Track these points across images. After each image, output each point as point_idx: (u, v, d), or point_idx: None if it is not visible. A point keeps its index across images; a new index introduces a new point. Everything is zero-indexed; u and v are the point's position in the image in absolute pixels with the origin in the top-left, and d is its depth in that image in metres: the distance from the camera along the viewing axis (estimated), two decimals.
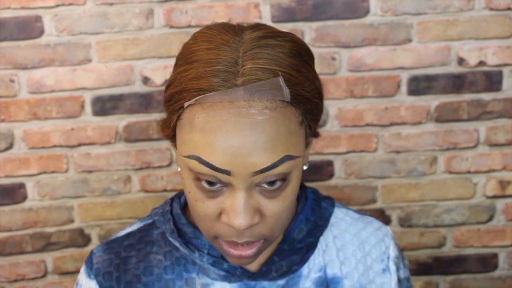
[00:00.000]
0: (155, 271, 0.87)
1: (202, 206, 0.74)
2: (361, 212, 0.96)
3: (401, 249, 1.78)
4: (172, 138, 0.78)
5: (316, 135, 0.79)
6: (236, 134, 0.68)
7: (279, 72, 0.70)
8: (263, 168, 0.69)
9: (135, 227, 0.92)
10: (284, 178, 0.72)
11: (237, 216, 0.71)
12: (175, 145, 0.79)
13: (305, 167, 0.81)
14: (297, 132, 0.72)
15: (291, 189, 0.75)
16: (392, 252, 0.92)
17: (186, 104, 0.71)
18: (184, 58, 0.74)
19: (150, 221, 0.92)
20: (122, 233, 0.92)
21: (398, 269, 0.92)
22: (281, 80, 0.69)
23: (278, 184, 0.72)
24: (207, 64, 0.70)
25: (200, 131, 0.69)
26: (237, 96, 0.68)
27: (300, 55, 0.73)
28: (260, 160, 0.69)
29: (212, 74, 0.69)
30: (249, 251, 0.76)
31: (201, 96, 0.69)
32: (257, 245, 0.76)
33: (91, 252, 0.91)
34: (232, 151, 0.68)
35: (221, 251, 0.78)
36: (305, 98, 0.72)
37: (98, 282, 0.87)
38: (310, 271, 0.88)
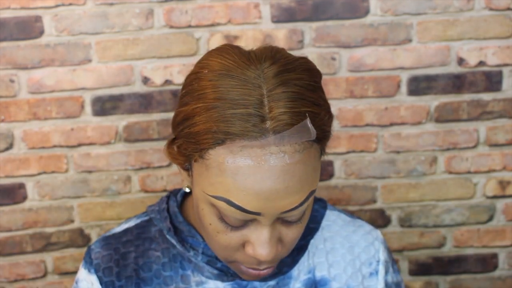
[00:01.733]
0: (154, 267, 0.88)
1: (225, 238, 0.75)
2: (353, 215, 0.97)
3: (401, 250, 1.78)
4: (184, 164, 0.77)
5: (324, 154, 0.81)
6: (269, 180, 0.69)
7: (306, 113, 0.70)
8: (292, 208, 0.71)
9: (132, 223, 0.92)
10: (305, 210, 0.75)
11: (263, 249, 0.73)
12: (184, 169, 0.79)
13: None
14: (318, 165, 0.74)
15: (308, 215, 0.77)
16: (382, 256, 0.92)
17: (216, 147, 0.70)
18: (202, 92, 0.72)
19: (146, 218, 0.92)
20: (119, 229, 0.92)
21: (386, 273, 0.92)
22: (308, 122, 0.70)
23: (299, 215, 0.75)
24: (233, 105, 0.69)
25: (231, 176, 0.70)
26: (269, 143, 0.69)
27: (317, 85, 0.74)
28: (290, 201, 0.71)
29: (240, 117, 0.69)
30: (266, 271, 0.78)
31: (234, 143, 0.69)
32: (275, 266, 0.79)
33: (89, 248, 0.91)
34: (265, 196, 0.69)
35: (236, 270, 0.80)
36: (327, 132, 0.74)
37: (98, 277, 0.87)
38: (300, 272, 0.88)
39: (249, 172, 0.69)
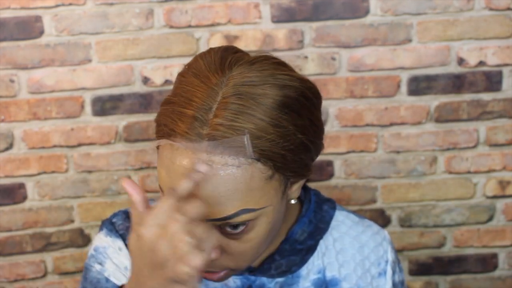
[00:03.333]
0: None
1: None
2: (361, 215, 0.97)
3: (400, 250, 1.78)
4: None
5: (305, 176, 0.78)
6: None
7: (247, 130, 0.70)
8: (216, 218, 0.72)
9: (150, 204, 0.92)
10: (245, 224, 0.74)
11: None
12: None
13: (293, 201, 0.81)
14: (262, 186, 0.72)
15: (256, 234, 0.76)
16: (390, 256, 0.93)
17: (157, 142, 0.74)
18: (175, 85, 0.76)
19: None
20: None
21: (394, 273, 0.93)
22: (245, 139, 0.70)
23: (240, 228, 0.74)
24: (183, 104, 0.72)
25: (165, 169, 0.73)
26: (201, 148, 0.70)
27: (286, 107, 0.72)
28: (214, 211, 0.71)
29: (182, 118, 0.71)
30: (213, 276, 0.78)
31: (170, 141, 0.71)
32: (221, 273, 0.79)
33: (108, 220, 0.90)
34: None
35: None
36: (278, 154, 0.72)
37: (126, 245, 0.86)
38: (309, 272, 0.89)
39: (178, 171, 0.71)
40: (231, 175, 0.70)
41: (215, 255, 0.74)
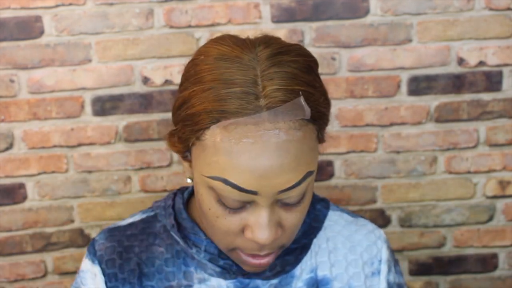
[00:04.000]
0: (157, 262, 0.88)
1: (224, 222, 0.75)
2: (357, 214, 0.97)
3: (400, 250, 1.78)
4: (184, 153, 0.78)
5: (322, 141, 0.80)
6: (264, 157, 0.69)
7: (299, 91, 0.71)
8: (289, 187, 0.71)
9: (137, 217, 0.92)
10: (303, 192, 0.74)
11: (262, 232, 0.73)
12: (185, 159, 0.80)
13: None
14: (315, 147, 0.74)
15: (308, 200, 0.76)
16: (384, 255, 0.92)
17: (211, 127, 0.71)
18: (198, 76, 0.73)
19: (152, 213, 0.92)
20: (124, 222, 0.92)
21: (389, 272, 0.92)
22: (302, 100, 0.70)
23: (298, 198, 0.74)
24: (227, 85, 0.70)
25: (226, 154, 0.70)
26: (263, 120, 0.69)
27: (312, 69, 0.75)
28: (286, 180, 0.71)
29: (234, 96, 0.70)
30: (267, 260, 0.78)
31: (228, 120, 0.69)
32: (276, 253, 0.78)
33: (93, 240, 0.91)
34: (260, 173, 0.70)
35: (237, 261, 0.80)
36: (322, 113, 0.74)
37: (102, 269, 0.88)
38: (302, 272, 0.89)
39: (243, 149, 0.69)
40: (296, 139, 0.70)
41: (280, 232, 0.74)
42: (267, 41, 0.76)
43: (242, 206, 0.73)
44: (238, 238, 0.76)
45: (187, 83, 0.75)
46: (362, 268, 0.91)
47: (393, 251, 0.95)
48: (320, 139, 0.78)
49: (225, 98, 0.70)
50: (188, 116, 0.73)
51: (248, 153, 0.69)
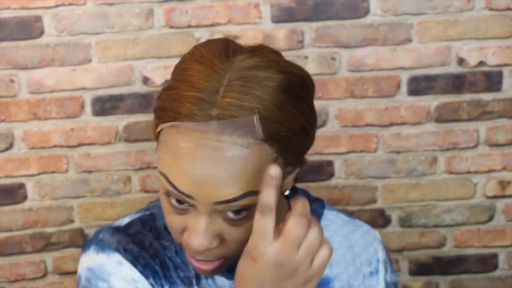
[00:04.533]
0: (168, 254, 0.87)
1: (170, 219, 0.76)
2: (351, 215, 0.97)
3: (401, 250, 1.78)
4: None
5: (300, 165, 0.78)
6: (202, 164, 0.70)
7: (256, 110, 0.70)
8: (224, 200, 0.72)
9: (133, 217, 0.91)
10: (248, 209, 0.74)
11: (196, 238, 0.73)
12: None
13: (286, 193, 0.81)
14: (266, 168, 0.73)
15: (253, 220, 0.75)
16: (381, 255, 0.93)
17: (161, 126, 0.73)
18: (175, 73, 0.76)
19: (148, 213, 0.92)
20: (121, 223, 0.89)
21: (386, 272, 0.92)
22: (255, 119, 0.70)
23: (243, 213, 0.74)
24: (190, 88, 0.72)
25: (172, 154, 0.72)
26: (210, 129, 0.70)
27: (289, 90, 0.73)
28: (222, 193, 0.71)
29: (191, 100, 0.71)
30: (206, 267, 0.78)
31: (179, 123, 0.71)
32: (216, 263, 0.78)
33: (96, 237, 0.87)
34: (196, 179, 0.71)
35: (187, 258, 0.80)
36: (283, 137, 0.73)
37: (124, 257, 0.84)
38: None
39: (186, 153, 0.71)
40: (240, 156, 0.70)
41: (216, 243, 0.74)
42: (253, 51, 0.75)
43: (186, 209, 0.75)
44: (181, 237, 0.77)
45: (170, 78, 0.78)
46: (360, 267, 0.91)
47: (388, 252, 0.95)
48: (290, 162, 0.76)
49: (183, 100, 0.72)
50: (155, 109, 0.76)
51: (188, 158, 0.71)
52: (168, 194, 0.75)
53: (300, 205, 0.69)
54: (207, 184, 0.71)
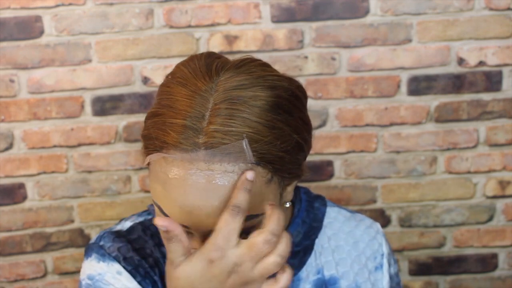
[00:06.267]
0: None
1: None
2: (352, 210, 0.97)
3: (401, 250, 1.78)
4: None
5: (298, 177, 0.76)
6: (192, 195, 0.68)
7: (245, 134, 0.68)
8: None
9: (135, 220, 0.90)
10: (247, 232, 0.73)
11: None
12: None
13: (287, 205, 0.80)
14: (262, 191, 0.71)
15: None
16: (385, 249, 0.93)
17: (149, 158, 0.71)
18: (159, 97, 0.73)
19: (150, 217, 0.91)
20: (123, 227, 0.89)
21: (390, 266, 0.93)
22: (244, 144, 0.68)
23: (243, 236, 0.73)
24: (175, 114, 0.69)
25: (161, 185, 0.70)
26: (198, 158, 0.68)
27: (279, 107, 0.71)
28: (215, 220, 0.69)
29: (176, 128, 0.69)
30: None
31: (165, 154, 0.69)
32: None
33: (97, 244, 0.87)
34: (188, 210, 0.69)
35: None
36: (276, 156, 0.70)
37: (123, 267, 0.84)
38: (309, 274, 0.88)
39: (175, 184, 0.69)
40: (232, 182, 0.68)
41: None
42: (238, 68, 0.72)
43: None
44: None
45: (155, 99, 0.75)
46: (365, 263, 0.91)
47: (389, 243, 0.95)
48: (286, 177, 0.74)
49: (167, 129, 0.69)
50: (142, 136, 0.73)
51: (178, 189, 0.69)
52: None
53: (275, 221, 0.67)
54: (199, 214, 0.69)
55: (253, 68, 0.73)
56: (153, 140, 0.71)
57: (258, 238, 0.67)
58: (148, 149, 0.72)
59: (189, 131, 0.68)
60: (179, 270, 0.68)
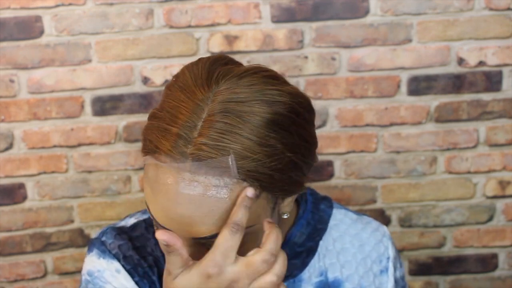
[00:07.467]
0: None
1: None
2: (359, 212, 0.96)
3: (401, 250, 1.78)
4: None
5: (297, 191, 0.75)
6: (178, 203, 0.69)
7: (231, 150, 0.68)
8: (201, 237, 0.71)
9: (139, 217, 0.91)
10: None
11: None
12: None
13: (285, 216, 0.79)
14: (252, 204, 0.71)
15: (243, 253, 0.75)
16: (391, 252, 0.92)
17: (143, 160, 0.72)
18: (162, 98, 0.74)
19: None
20: (126, 223, 0.90)
21: (395, 269, 0.92)
22: (230, 160, 0.68)
23: None
24: (171, 121, 0.69)
25: (151, 187, 0.71)
26: (184, 168, 0.68)
27: (274, 123, 0.70)
28: (200, 230, 0.70)
29: (168, 136, 0.69)
30: None
31: (155, 160, 0.70)
32: None
33: (99, 239, 0.88)
34: (172, 217, 0.70)
35: None
36: (264, 174, 0.70)
37: (122, 265, 0.85)
38: (311, 275, 0.88)
39: (162, 190, 0.69)
40: (216, 195, 0.68)
41: None
42: (241, 79, 0.71)
43: None
44: None
45: (163, 92, 0.75)
46: (371, 266, 0.90)
47: (395, 246, 0.95)
48: (279, 193, 0.73)
49: (161, 134, 0.70)
50: (143, 132, 0.74)
51: (163, 195, 0.69)
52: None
53: (274, 241, 0.68)
54: (183, 223, 0.69)
55: (255, 80, 0.72)
56: (149, 142, 0.71)
57: (256, 256, 0.68)
58: (145, 150, 0.73)
59: (180, 140, 0.68)
60: (176, 282, 0.69)
